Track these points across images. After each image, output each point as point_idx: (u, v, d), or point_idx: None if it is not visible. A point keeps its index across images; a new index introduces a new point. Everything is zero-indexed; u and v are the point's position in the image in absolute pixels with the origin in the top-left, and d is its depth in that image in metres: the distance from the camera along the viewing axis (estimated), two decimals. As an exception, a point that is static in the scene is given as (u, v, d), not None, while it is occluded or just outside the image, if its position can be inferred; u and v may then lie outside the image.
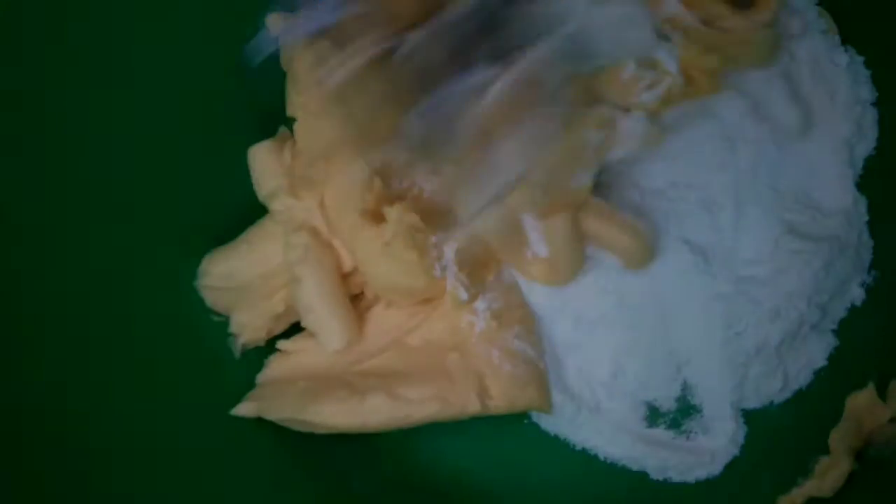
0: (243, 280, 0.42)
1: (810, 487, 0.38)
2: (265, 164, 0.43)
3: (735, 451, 0.42)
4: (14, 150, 0.40)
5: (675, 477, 0.42)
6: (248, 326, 0.42)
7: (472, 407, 0.39)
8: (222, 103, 0.44)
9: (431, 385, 0.40)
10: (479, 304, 0.41)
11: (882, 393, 0.40)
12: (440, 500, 0.42)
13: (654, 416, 0.42)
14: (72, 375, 0.39)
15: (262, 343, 0.43)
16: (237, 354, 0.42)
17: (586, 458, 0.43)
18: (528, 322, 0.41)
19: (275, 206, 0.42)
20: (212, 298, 0.43)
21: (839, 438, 0.39)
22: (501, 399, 0.40)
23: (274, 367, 0.42)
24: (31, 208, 0.40)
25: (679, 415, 0.42)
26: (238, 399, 0.41)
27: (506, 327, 0.41)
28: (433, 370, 0.40)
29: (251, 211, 0.43)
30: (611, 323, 0.42)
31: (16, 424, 0.37)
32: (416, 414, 0.40)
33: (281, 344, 0.42)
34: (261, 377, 0.42)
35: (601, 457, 0.43)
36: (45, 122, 0.40)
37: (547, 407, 0.41)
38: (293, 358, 0.42)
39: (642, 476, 0.42)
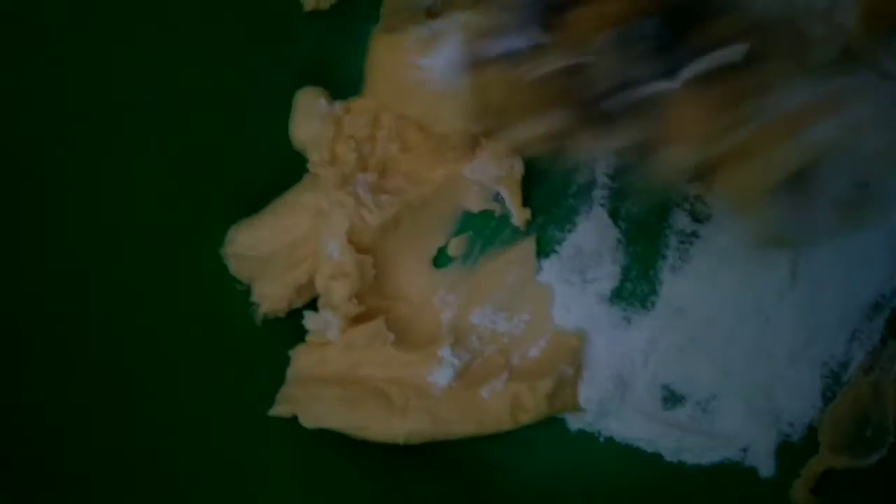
0: (268, 250, 0.43)
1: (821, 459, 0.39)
2: (312, 108, 0.43)
3: (751, 433, 0.41)
4: (44, 111, 0.40)
5: (690, 459, 0.42)
6: (270, 296, 0.43)
7: (506, 425, 0.41)
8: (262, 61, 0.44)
9: (468, 407, 0.41)
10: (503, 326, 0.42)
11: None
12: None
13: (671, 398, 0.42)
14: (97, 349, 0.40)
15: (282, 314, 0.43)
16: (258, 322, 0.43)
17: (602, 441, 0.43)
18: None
19: (313, 155, 0.43)
20: (236, 267, 0.43)
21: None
22: (535, 412, 0.41)
23: (302, 362, 0.43)
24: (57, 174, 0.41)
25: (696, 397, 0.42)
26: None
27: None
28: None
29: (279, 183, 0.44)
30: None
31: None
32: (457, 433, 0.41)
33: (311, 336, 0.43)
34: (290, 373, 0.42)
35: (616, 438, 0.43)
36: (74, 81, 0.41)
37: (577, 408, 0.42)
38: (318, 352, 0.43)
39: (657, 458, 0.42)
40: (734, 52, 0.33)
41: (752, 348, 0.42)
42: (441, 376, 0.41)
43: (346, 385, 0.42)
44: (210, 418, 0.41)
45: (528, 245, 0.44)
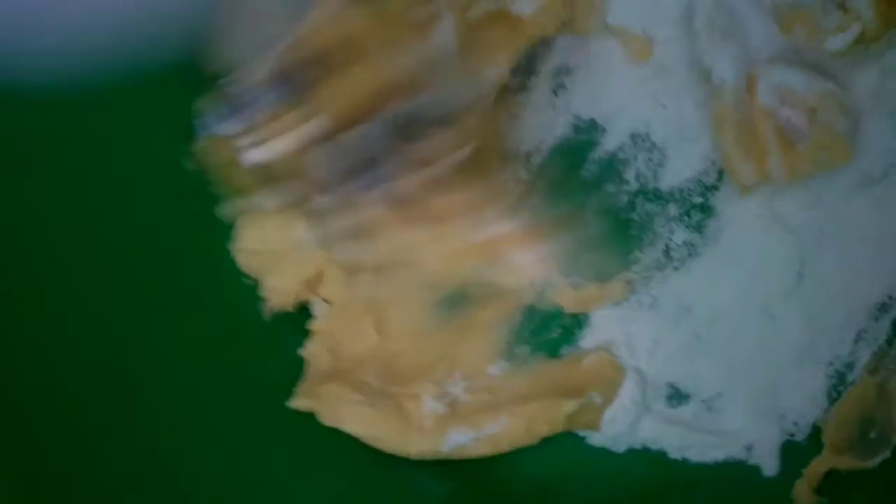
0: (276, 244, 0.43)
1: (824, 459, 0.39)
2: None
3: (755, 432, 0.42)
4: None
5: (694, 457, 0.42)
6: (278, 291, 0.43)
7: (523, 443, 0.41)
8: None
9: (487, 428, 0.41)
10: None
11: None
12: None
13: (676, 395, 0.42)
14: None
15: (290, 308, 0.44)
16: (266, 317, 0.43)
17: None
18: None
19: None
20: (245, 261, 0.43)
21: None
22: (552, 429, 0.41)
23: (317, 355, 0.43)
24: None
25: (701, 395, 0.42)
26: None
27: None
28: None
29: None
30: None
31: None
32: (471, 454, 0.41)
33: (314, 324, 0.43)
34: (308, 369, 0.43)
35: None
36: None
37: (598, 429, 0.42)
38: (330, 340, 0.43)
39: (661, 455, 0.42)
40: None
41: (758, 347, 0.42)
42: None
43: (363, 390, 0.42)
44: (216, 413, 0.41)
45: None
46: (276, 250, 0.43)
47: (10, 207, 0.39)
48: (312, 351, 0.43)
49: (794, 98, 0.40)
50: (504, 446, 0.42)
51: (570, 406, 0.41)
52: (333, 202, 0.36)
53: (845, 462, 0.39)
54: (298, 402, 0.42)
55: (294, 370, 0.43)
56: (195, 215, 0.43)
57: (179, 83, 0.37)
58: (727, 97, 0.41)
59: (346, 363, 0.43)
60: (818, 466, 0.39)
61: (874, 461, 0.39)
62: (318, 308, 0.44)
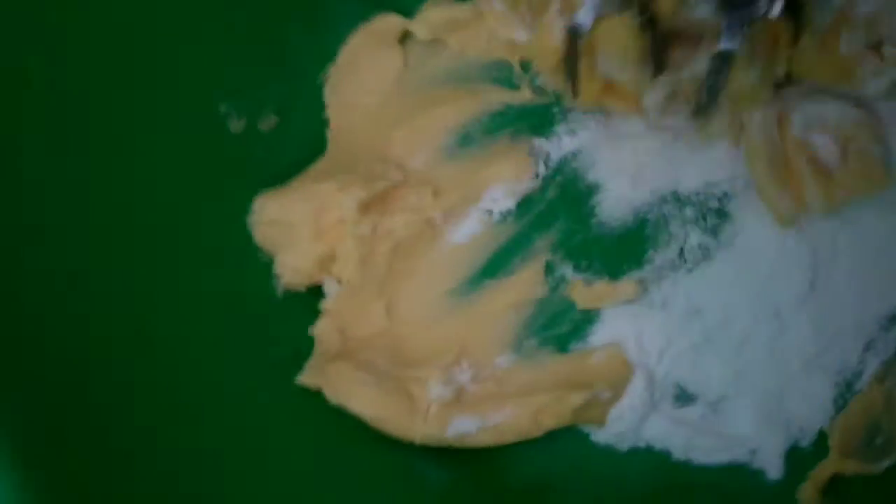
0: (294, 219, 0.43)
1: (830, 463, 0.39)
2: None
3: (761, 436, 0.42)
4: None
5: (699, 458, 0.42)
6: (292, 268, 0.43)
7: (528, 435, 0.41)
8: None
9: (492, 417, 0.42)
10: None
11: None
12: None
13: (683, 396, 0.42)
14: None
15: (302, 288, 0.44)
16: (279, 294, 0.43)
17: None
18: None
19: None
20: (261, 236, 0.43)
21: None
22: (558, 421, 0.41)
23: (326, 334, 0.43)
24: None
25: (707, 397, 0.42)
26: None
27: None
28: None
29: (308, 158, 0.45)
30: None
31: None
32: (476, 443, 0.41)
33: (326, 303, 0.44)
34: (317, 348, 0.43)
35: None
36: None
37: (603, 423, 0.42)
38: (340, 321, 0.43)
39: (664, 455, 0.42)
40: None
41: (767, 352, 0.42)
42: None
43: (371, 371, 0.42)
44: (223, 386, 0.41)
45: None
46: (294, 222, 0.43)
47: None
48: (322, 329, 0.43)
49: (827, 128, 0.40)
50: (509, 437, 0.42)
51: (577, 399, 0.41)
52: None
53: (851, 466, 0.39)
54: (306, 379, 0.42)
55: (304, 348, 0.43)
56: (214, 190, 0.43)
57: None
58: (754, 132, 0.41)
59: (354, 343, 0.43)
60: (824, 470, 0.39)
61: (880, 467, 0.39)
62: (329, 287, 0.44)
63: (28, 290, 0.38)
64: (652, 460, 0.42)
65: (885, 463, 0.38)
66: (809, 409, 0.41)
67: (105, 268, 0.40)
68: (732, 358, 0.42)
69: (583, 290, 0.43)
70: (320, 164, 0.45)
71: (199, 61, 0.43)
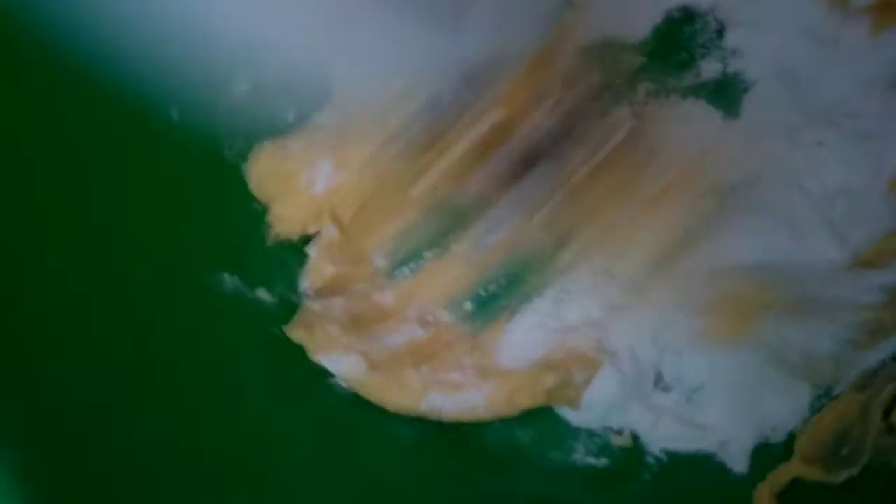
0: (289, 167, 0.43)
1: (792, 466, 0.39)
2: None
3: (731, 430, 0.41)
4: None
5: (667, 444, 0.42)
6: (285, 218, 0.44)
7: (508, 412, 0.42)
8: None
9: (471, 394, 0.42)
10: None
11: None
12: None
13: (659, 383, 0.42)
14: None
15: (294, 238, 0.44)
16: (269, 244, 0.44)
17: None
18: None
19: None
20: (257, 184, 0.44)
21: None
22: (531, 402, 0.42)
23: (315, 285, 0.43)
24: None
25: (682, 386, 0.42)
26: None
27: None
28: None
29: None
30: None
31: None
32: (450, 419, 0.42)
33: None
34: (307, 301, 0.43)
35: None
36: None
37: (578, 406, 0.42)
38: (328, 273, 0.44)
39: (633, 439, 0.42)
40: None
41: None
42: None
43: (352, 332, 0.43)
44: (206, 331, 0.42)
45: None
46: (287, 174, 0.43)
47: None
48: (315, 263, 0.44)
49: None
50: (483, 414, 0.42)
51: (549, 379, 0.41)
52: None
53: (812, 473, 0.39)
54: (292, 331, 0.43)
55: (295, 301, 0.44)
56: (208, 140, 0.43)
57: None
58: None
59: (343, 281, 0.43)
60: (784, 473, 0.39)
61: (840, 477, 0.38)
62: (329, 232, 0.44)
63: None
64: (620, 442, 0.42)
65: (846, 474, 0.38)
66: (785, 409, 0.41)
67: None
68: (710, 349, 0.42)
69: None
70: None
71: None
